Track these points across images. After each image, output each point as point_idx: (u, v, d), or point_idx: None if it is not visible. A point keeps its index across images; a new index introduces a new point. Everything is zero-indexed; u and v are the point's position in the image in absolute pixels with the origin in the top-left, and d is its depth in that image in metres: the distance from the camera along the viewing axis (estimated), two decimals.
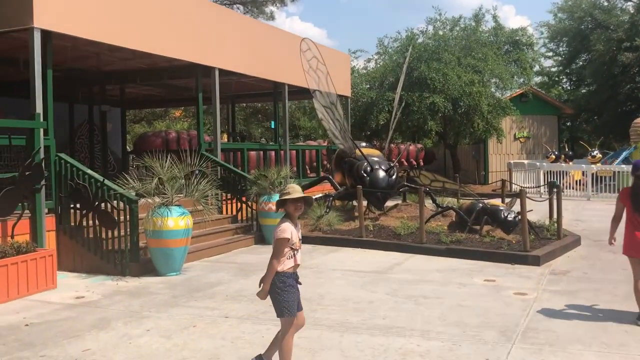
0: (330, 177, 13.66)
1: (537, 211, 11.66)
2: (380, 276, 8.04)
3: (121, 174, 8.51)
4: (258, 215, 11.02)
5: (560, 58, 39.61)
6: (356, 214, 11.44)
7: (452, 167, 25.23)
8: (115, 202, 8.25)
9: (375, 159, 12.31)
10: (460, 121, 21.97)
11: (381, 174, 11.81)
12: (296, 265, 4.41)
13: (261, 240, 10.86)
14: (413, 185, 12.38)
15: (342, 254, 9.83)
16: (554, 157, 24.46)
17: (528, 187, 20.18)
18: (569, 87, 40.80)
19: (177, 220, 8.05)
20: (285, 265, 4.35)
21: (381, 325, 5.77)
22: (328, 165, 17.10)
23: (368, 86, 22.85)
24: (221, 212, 11.56)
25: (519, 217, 10.15)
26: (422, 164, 27.69)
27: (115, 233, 8.26)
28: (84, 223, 8.48)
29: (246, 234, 10.96)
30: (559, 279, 7.82)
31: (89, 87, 15.22)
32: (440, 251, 9.60)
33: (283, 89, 14.60)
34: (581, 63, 36.53)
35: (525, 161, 24.48)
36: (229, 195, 11.57)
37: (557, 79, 41.20)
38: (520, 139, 27.64)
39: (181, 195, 8.40)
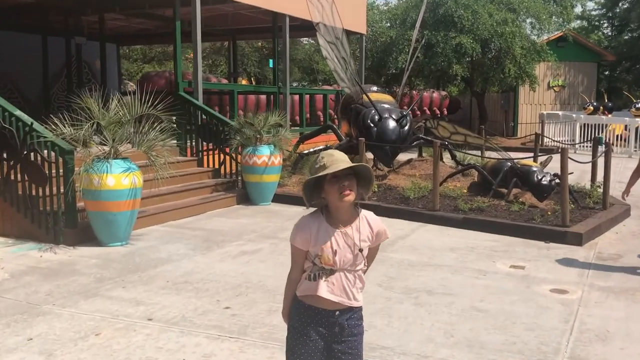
0: (334, 126, 11.81)
1: (572, 170, 9.75)
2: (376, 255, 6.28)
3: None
4: (242, 170, 9.28)
5: (602, 0, 36.35)
6: None
7: (478, 117, 23.08)
8: (46, 152, 6.57)
9: (386, 106, 10.38)
10: (489, 66, 19.69)
11: (391, 123, 9.91)
12: (318, 297, 2.47)
13: (245, 199, 9.16)
14: (429, 138, 10.47)
15: None
16: (591, 108, 22.11)
17: (563, 142, 18.10)
18: (610, 33, 37.63)
19: (119, 177, 6.34)
20: (302, 288, 2.54)
21: None
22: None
23: (388, 24, 20.60)
24: (202, 165, 9.85)
25: (556, 180, 8.28)
26: (445, 113, 25.55)
27: (48, 191, 6.61)
28: (12, 177, 6.83)
29: (227, 192, 9.25)
30: (610, 269, 5.98)
31: (65, 17, 13.39)
32: (457, 221, 7.80)
33: (283, 21, 12.57)
34: (627, 5, 33.30)
35: (560, 112, 22.20)
36: (210, 145, 9.82)
37: (597, 23, 37.99)
38: (555, 88, 25.20)
39: (129, 146, 6.66)
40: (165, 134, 6.68)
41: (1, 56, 12.86)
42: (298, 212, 9.04)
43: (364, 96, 10.30)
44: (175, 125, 6.71)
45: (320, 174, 2.42)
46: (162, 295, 4.94)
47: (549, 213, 7.74)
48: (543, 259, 6.31)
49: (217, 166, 9.78)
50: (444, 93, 24.90)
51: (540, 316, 4.61)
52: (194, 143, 9.91)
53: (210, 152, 9.84)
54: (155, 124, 6.76)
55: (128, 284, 5.24)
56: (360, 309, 2.64)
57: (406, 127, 10.05)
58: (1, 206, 6.95)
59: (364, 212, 2.59)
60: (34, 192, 6.70)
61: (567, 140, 19.40)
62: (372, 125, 9.94)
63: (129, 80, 30.75)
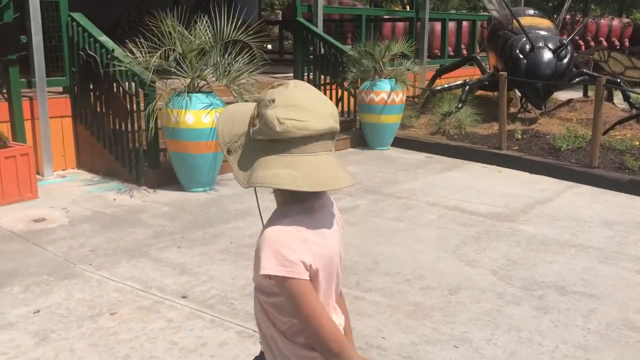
0: (478, 57, 10.08)
1: None
2: (500, 226, 4.90)
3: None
4: (359, 108, 8.10)
5: None
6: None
7: None
8: (127, 83, 5.90)
9: (542, 33, 8.50)
10: None
11: (545, 55, 8.06)
12: None
13: (361, 142, 8.02)
14: (595, 74, 8.45)
15: (462, 175, 6.68)
16: None
17: None
18: None
19: (199, 114, 5.49)
20: None
21: None
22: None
23: None
24: None
25: None
26: (627, 44, 21.92)
27: (130, 127, 5.99)
28: (98, 109, 6.31)
29: (342, 133, 8.12)
30: None
31: None
32: (620, 183, 6.04)
33: None
34: None
35: None
36: (328, 79, 8.70)
37: None
38: None
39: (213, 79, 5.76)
40: (254, 65, 5.65)
41: None
42: (419, 160, 7.79)
43: (514, 21, 8.49)
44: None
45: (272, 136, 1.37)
46: (215, 263, 4.06)
47: None
48: None
49: (334, 103, 8.67)
50: (626, 20, 21.27)
51: None
52: (311, 76, 8.87)
53: (329, 87, 8.74)
54: (246, 52, 5.78)
55: (186, 242, 4.43)
56: None
57: (565, 60, 8.14)
58: (90, 141, 6.50)
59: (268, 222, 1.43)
60: (117, 127, 6.13)
61: None
62: (521, 56, 8.18)
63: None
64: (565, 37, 9.32)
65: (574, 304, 3.51)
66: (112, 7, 12.07)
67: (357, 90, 8.03)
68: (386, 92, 7.59)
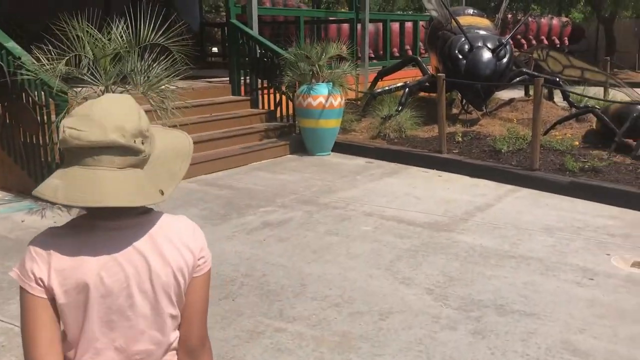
0: (419, 58, 9.90)
1: None
2: (438, 237, 4.64)
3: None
4: (297, 113, 7.78)
5: None
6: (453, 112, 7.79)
7: (604, 48, 19.85)
8: (36, 93, 5.40)
9: (481, 32, 8.35)
10: None
11: (485, 54, 7.91)
12: None
13: (300, 148, 7.67)
14: (535, 73, 8.35)
15: (401, 180, 6.42)
16: None
17: None
18: None
19: None
20: None
21: None
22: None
23: None
24: (257, 106, 8.43)
25: None
26: (566, 43, 22.34)
27: (41, 140, 5.49)
28: (7, 121, 5.78)
29: (280, 139, 7.80)
30: None
31: None
32: (561, 186, 5.90)
33: None
34: None
35: None
36: (265, 83, 8.34)
37: None
38: None
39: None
40: (172, 70, 5.23)
41: None
42: (359, 165, 7.51)
43: (453, 21, 8.32)
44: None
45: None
46: None
47: None
48: None
49: (272, 108, 8.33)
50: (564, 19, 21.67)
51: None
52: (248, 80, 8.48)
53: (266, 91, 8.38)
54: (165, 57, 5.36)
55: None
56: None
57: (504, 59, 8.01)
58: (0, 156, 5.96)
59: None
60: (28, 141, 5.62)
61: None
62: (460, 56, 8.01)
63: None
64: (505, 36, 9.24)
65: (513, 326, 3.25)
66: (41, 12, 11.41)
67: (294, 95, 7.70)
68: (324, 96, 7.28)
